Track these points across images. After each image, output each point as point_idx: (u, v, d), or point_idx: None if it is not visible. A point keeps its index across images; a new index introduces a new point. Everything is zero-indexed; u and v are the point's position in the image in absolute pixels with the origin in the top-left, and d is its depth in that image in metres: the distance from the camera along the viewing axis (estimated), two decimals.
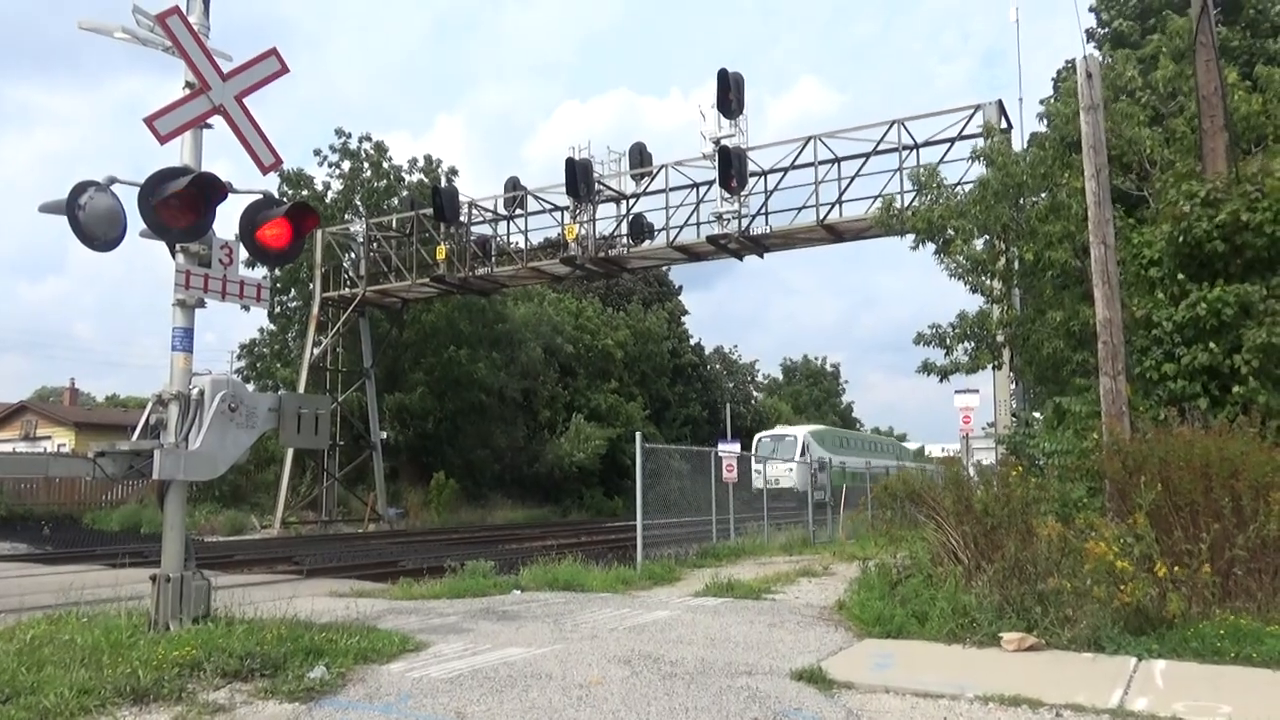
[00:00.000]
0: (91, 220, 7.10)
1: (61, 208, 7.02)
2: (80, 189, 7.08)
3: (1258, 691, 5.81)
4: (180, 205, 7.21)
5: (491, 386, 41.98)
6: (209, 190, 7.35)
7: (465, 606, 9.75)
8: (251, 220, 7.75)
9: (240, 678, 5.94)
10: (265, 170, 8.15)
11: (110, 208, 7.19)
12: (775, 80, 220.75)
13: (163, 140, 7.29)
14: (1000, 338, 16.14)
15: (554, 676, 6.28)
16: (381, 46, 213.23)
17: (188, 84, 7.57)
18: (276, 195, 8.22)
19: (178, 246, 7.52)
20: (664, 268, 52.38)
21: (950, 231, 15.46)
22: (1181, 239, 10.96)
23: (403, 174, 44.96)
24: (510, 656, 6.94)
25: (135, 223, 7.24)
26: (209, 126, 7.73)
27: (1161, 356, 10.91)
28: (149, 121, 7.20)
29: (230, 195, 7.62)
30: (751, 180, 27.29)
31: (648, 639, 7.74)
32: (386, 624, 8.18)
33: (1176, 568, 7.29)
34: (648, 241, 30.08)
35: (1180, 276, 11.04)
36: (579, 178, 28.47)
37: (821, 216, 26.48)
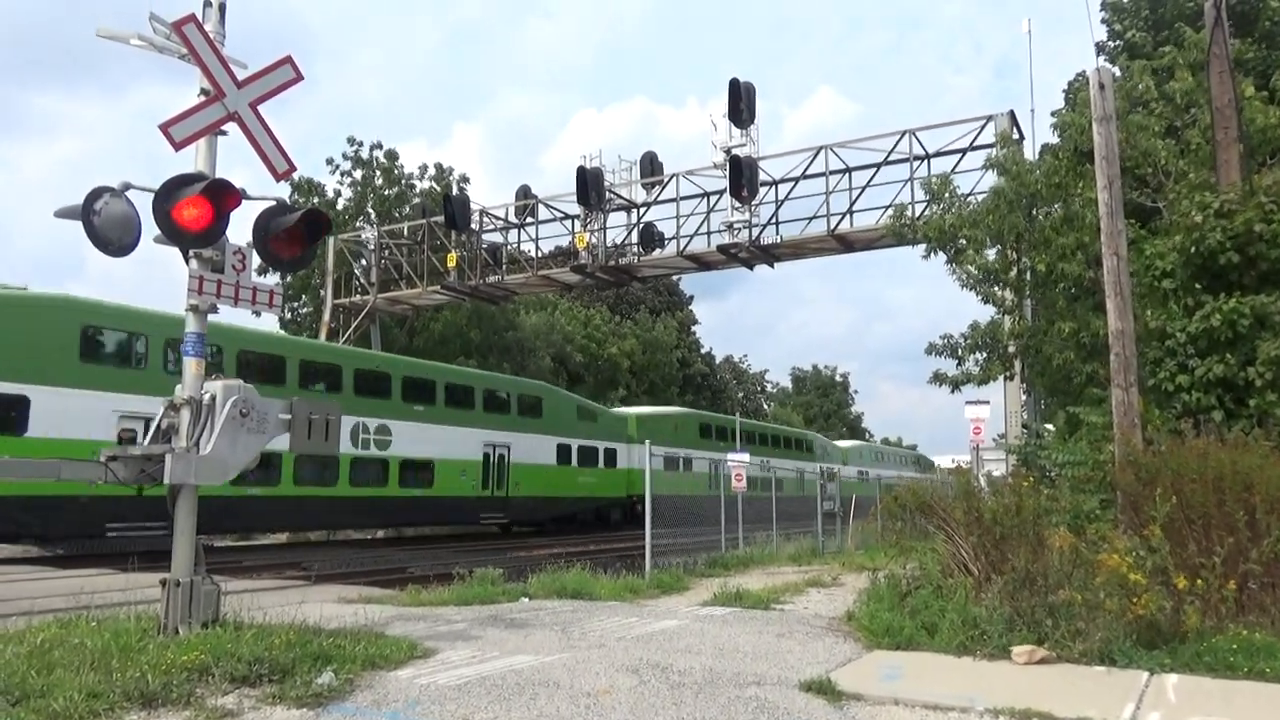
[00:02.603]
0: (106, 226, 7.15)
1: (77, 213, 7.07)
2: (95, 195, 7.13)
3: (1272, 707, 5.76)
4: (195, 211, 7.25)
5: None
6: (222, 196, 7.39)
7: (473, 614, 9.73)
8: (264, 227, 7.78)
9: (249, 683, 5.94)
10: (279, 177, 8.19)
11: (125, 213, 7.24)
12: (792, 91, 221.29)
13: (177, 147, 7.33)
14: (1012, 348, 16.08)
15: (562, 685, 6.26)
16: (402, 56, 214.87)
17: (203, 91, 7.63)
18: (289, 202, 8.25)
19: (191, 252, 7.55)
20: (675, 277, 52.56)
21: (962, 241, 15.43)
22: (1194, 250, 10.92)
23: (414, 181, 45.15)
24: (518, 664, 6.93)
25: (150, 228, 7.29)
26: (223, 133, 7.78)
27: (1175, 368, 10.85)
28: (164, 128, 7.25)
29: (244, 202, 7.66)
30: (762, 190, 27.35)
31: (656, 648, 7.71)
32: (394, 630, 8.18)
33: (1198, 581, 7.23)
34: (658, 250, 30.16)
35: (1196, 287, 10.99)
36: (590, 186, 28.57)
37: (832, 226, 26.50)
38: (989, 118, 24.58)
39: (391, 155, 44.70)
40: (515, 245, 32.99)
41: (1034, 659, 6.88)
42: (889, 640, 7.87)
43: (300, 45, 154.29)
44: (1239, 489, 7.65)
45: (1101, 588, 7.18)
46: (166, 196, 7.13)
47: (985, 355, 16.39)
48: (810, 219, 27.05)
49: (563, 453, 32.47)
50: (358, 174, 43.88)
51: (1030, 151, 20.77)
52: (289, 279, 38.71)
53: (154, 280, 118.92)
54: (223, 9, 7.93)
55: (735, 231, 27.52)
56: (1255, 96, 13.34)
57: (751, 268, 29.65)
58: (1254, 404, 10.34)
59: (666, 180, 29.53)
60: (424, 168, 45.71)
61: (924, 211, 18.88)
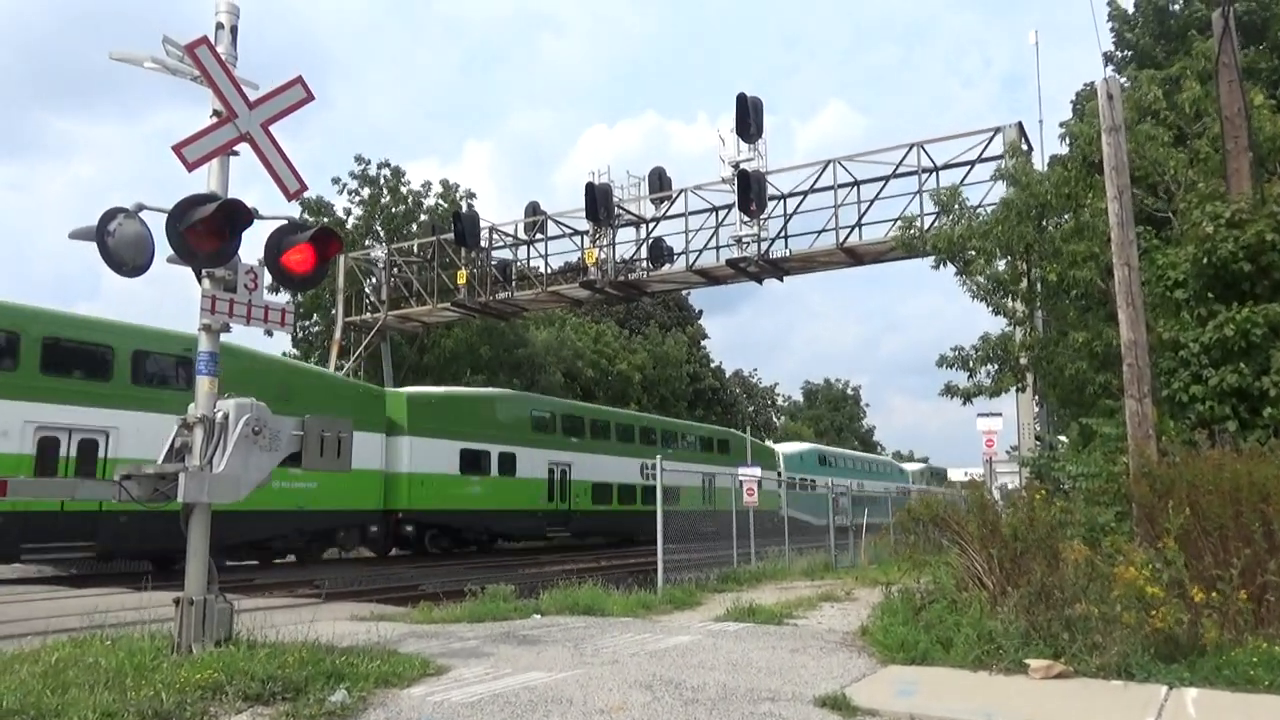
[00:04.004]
0: (120, 246, 7.21)
1: (91, 234, 7.14)
2: (109, 216, 7.19)
3: None
4: (206, 231, 7.31)
5: None
6: (235, 216, 7.45)
7: (485, 630, 9.72)
8: (276, 245, 7.84)
9: (262, 701, 5.94)
10: (290, 196, 8.25)
11: (138, 234, 7.30)
12: (803, 105, 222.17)
13: (190, 168, 7.40)
14: (1023, 360, 16.02)
15: (575, 701, 6.23)
16: (414, 76, 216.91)
17: (215, 112, 7.70)
18: (300, 221, 8.30)
19: (204, 272, 7.61)
20: (684, 292, 52.60)
21: (972, 252, 15.40)
22: (1206, 260, 10.87)
23: (421, 199, 45.39)
24: (531, 681, 6.91)
25: (164, 249, 7.35)
26: (235, 154, 7.84)
27: (1189, 378, 10.79)
28: (177, 149, 7.32)
29: (255, 221, 7.72)
30: (771, 204, 27.39)
31: (669, 664, 7.68)
32: (407, 648, 8.17)
33: (1214, 593, 7.16)
34: (667, 265, 30.20)
35: (1208, 296, 10.95)
36: (599, 202, 28.66)
37: (841, 240, 26.50)
38: (997, 129, 24.58)
39: (398, 173, 45.02)
40: (525, 262, 33.10)
41: (1051, 673, 6.81)
42: (904, 655, 7.81)
43: (316, 67, 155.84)
44: (1255, 500, 7.58)
45: (1118, 601, 7.11)
46: (179, 217, 7.18)
47: (996, 367, 16.33)
48: (819, 232, 27.06)
49: None
50: (365, 192, 44.20)
51: (1039, 162, 20.74)
52: (300, 297, 38.90)
53: (170, 299, 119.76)
54: (234, 31, 8.01)
55: (744, 246, 27.54)
56: (1265, 105, 13.31)
57: (760, 282, 29.65)
58: (1269, 414, 10.26)
59: (675, 195, 29.60)
60: (428, 185, 45.99)
61: (933, 223, 18.87)
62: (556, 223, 31.83)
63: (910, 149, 25.64)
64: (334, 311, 36.77)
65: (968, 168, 24.78)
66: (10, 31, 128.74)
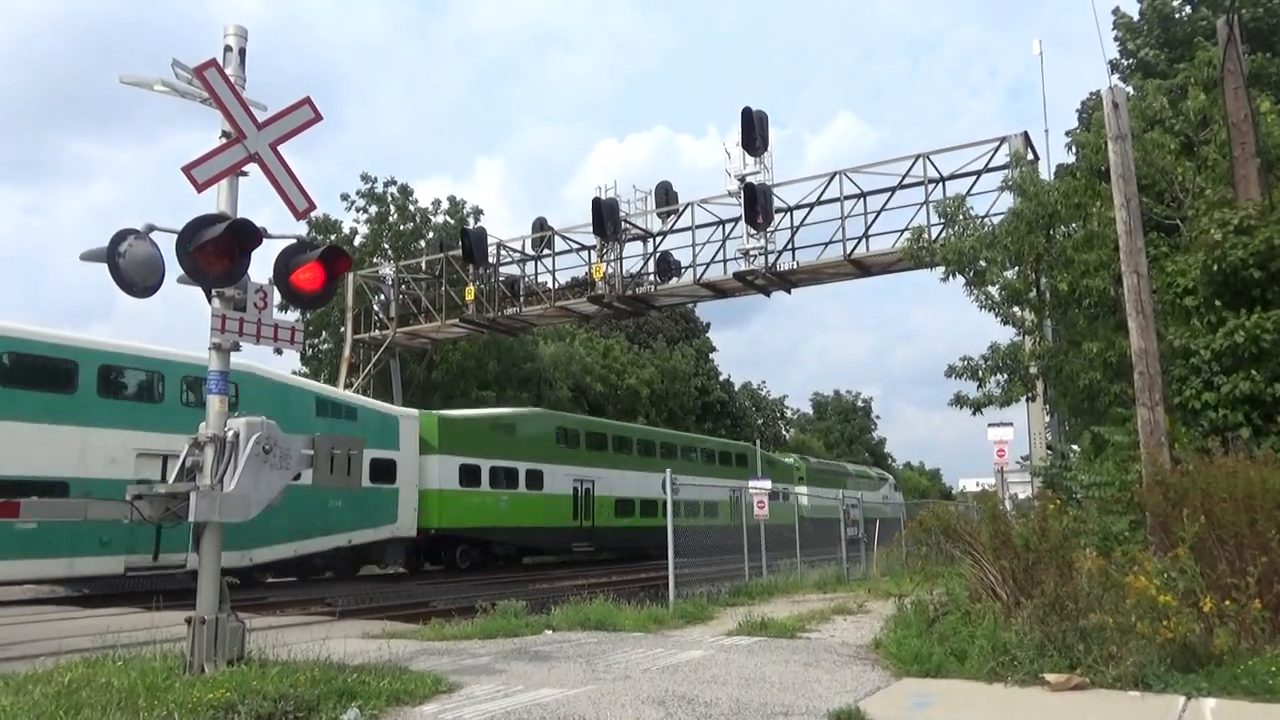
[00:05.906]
0: (131, 267, 7.25)
1: (102, 256, 7.18)
2: (120, 237, 7.24)
3: None
4: (216, 251, 7.35)
5: None
6: (244, 236, 7.48)
7: (497, 647, 9.69)
8: (285, 265, 7.87)
9: None
10: (299, 216, 8.30)
11: (149, 255, 7.34)
12: (812, 118, 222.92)
13: (200, 188, 7.45)
14: (1033, 369, 15.96)
15: (587, 718, 6.20)
16: (427, 95, 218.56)
17: (224, 134, 7.76)
18: (308, 240, 8.34)
19: (214, 291, 7.65)
20: (691, 305, 52.62)
21: (982, 263, 15.37)
22: (1216, 267, 10.83)
23: (429, 216, 45.57)
24: (543, 698, 6.88)
25: (174, 269, 7.40)
26: (244, 174, 7.90)
27: (1201, 386, 10.73)
28: (186, 170, 7.37)
29: (265, 240, 7.76)
30: (778, 216, 27.42)
31: (681, 679, 7.64)
32: (419, 665, 8.14)
33: (1227, 601, 7.09)
34: (675, 279, 30.22)
35: (1217, 304, 10.90)
36: (605, 217, 28.73)
37: (848, 251, 26.50)
38: (1002, 139, 24.59)
39: (405, 190, 45.23)
40: (533, 277, 33.18)
41: (1068, 685, 6.76)
42: (918, 668, 7.75)
43: (329, 88, 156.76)
44: (1270, 507, 7.51)
45: (1132, 611, 7.05)
46: (189, 237, 7.23)
47: (1006, 377, 16.27)
48: (826, 244, 27.06)
49: None
50: (373, 210, 44.42)
51: (1045, 171, 20.75)
52: (309, 315, 39.06)
53: (182, 319, 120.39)
54: (242, 53, 8.08)
55: (751, 258, 27.59)
56: (1271, 111, 13.28)
57: (768, 294, 29.66)
58: None
59: (681, 209, 29.67)
60: (437, 202, 46.19)
61: (940, 235, 18.87)
62: (564, 238, 31.94)
63: (916, 160, 25.67)
64: (343, 329, 36.92)
65: (974, 178, 24.81)
66: (28, 56, 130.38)
